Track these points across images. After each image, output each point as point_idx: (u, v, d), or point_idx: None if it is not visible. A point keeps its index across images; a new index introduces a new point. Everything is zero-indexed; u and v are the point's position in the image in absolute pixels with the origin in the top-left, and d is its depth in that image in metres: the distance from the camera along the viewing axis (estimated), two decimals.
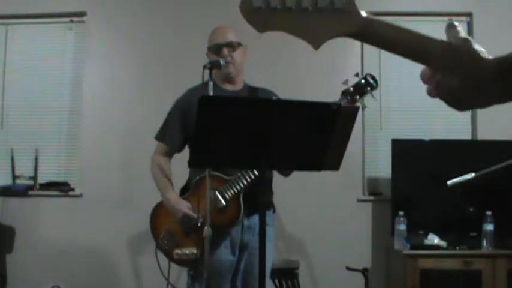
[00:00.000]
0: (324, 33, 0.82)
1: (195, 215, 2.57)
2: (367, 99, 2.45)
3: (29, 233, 4.31)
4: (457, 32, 0.83)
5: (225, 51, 2.67)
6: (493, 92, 0.80)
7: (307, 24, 0.82)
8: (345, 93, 2.40)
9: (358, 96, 2.40)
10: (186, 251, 2.60)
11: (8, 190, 4.31)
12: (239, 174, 2.55)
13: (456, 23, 0.84)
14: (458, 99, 0.82)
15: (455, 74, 0.80)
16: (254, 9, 0.83)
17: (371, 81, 2.36)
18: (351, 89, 2.40)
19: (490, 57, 0.80)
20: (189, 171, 2.73)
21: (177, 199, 2.68)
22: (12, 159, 4.39)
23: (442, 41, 0.82)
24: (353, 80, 2.30)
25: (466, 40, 0.81)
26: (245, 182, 2.54)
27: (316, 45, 0.82)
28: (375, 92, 2.45)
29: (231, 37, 2.71)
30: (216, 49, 2.68)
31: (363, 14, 0.81)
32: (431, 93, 0.83)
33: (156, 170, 2.76)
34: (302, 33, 0.82)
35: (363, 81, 2.37)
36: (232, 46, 2.68)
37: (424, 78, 0.84)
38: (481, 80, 0.79)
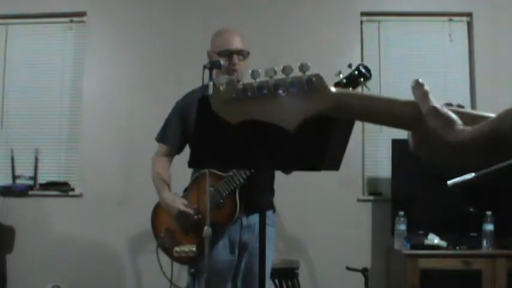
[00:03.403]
0: (298, 114, 0.81)
1: (190, 211, 2.58)
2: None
3: (29, 233, 4.31)
4: (424, 92, 0.80)
5: (235, 58, 2.63)
6: (476, 159, 0.77)
7: (280, 108, 0.81)
8: (337, 85, 2.37)
9: (351, 88, 2.36)
10: (185, 248, 2.60)
11: (8, 190, 4.31)
12: (235, 170, 2.54)
13: (420, 82, 0.80)
14: (441, 165, 0.80)
15: (432, 144, 0.78)
16: (226, 102, 0.83)
17: (364, 71, 2.32)
18: (344, 80, 2.36)
19: (462, 127, 0.77)
20: (191, 171, 2.74)
21: (171, 197, 2.68)
22: (12, 159, 4.39)
23: (413, 108, 0.79)
24: (346, 72, 2.27)
25: (433, 112, 0.78)
26: (241, 179, 2.53)
27: (292, 127, 0.81)
28: (370, 83, 2.40)
29: (241, 44, 2.67)
30: (226, 55, 2.63)
31: (333, 89, 0.80)
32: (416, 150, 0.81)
33: (154, 171, 2.76)
34: (276, 118, 0.81)
35: (356, 72, 2.33)
36: (242, 54, 2.65)
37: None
38: (458, 154, 0.77)
